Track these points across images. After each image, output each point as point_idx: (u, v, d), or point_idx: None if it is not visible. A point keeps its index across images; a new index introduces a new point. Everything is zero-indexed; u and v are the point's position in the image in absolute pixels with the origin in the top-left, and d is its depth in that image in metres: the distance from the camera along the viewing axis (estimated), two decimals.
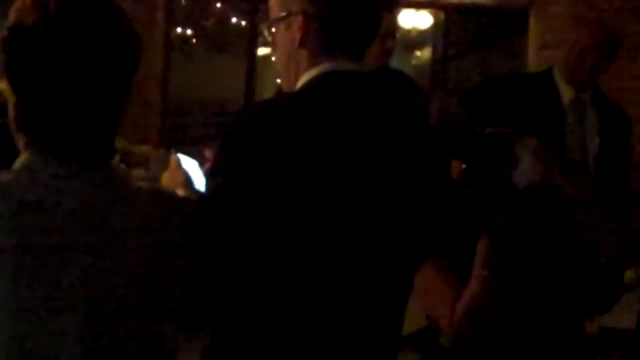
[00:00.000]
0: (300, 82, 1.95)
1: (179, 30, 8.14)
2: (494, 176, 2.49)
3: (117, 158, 1.67)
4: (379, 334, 1.98)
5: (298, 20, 1.94)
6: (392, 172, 1.91)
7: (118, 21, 1.63)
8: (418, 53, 9.23)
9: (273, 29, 2.02)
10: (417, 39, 8.94)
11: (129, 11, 1.67)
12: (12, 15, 1.58)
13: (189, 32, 8.37)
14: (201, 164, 2.32)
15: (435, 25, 8.22)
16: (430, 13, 8.16)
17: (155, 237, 1.66)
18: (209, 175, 2.05)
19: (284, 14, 1.97)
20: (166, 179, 2.29)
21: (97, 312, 1.59)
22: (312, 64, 1.95)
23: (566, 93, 3.81)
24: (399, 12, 7.85)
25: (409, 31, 8.71)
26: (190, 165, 2.30)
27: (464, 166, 2.68)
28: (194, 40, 8.35)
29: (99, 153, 1.64)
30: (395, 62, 8.99)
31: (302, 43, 1.94)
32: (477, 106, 3.46)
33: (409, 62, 9.38)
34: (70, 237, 1.57)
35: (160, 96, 7.71)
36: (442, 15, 7.99)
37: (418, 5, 7.87)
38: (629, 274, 4.14)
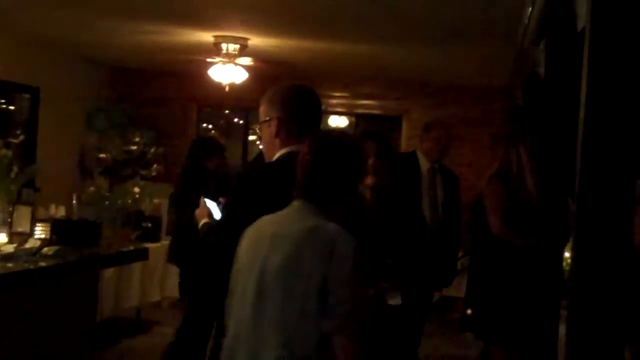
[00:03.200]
0: (275, 157, 1.95)
1: (204, 125, 8.16)
2: None
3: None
4: None
5: (274, 122, 1.94)
6: None
7: (347, 153, 1.68)
8: None
9: (260, 127, 2.01)
10: None
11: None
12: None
13: (210, 126, 8.41)
14: (218, 204, 2.30)
15: (350, 125, 8.27)
16: (347, 117, 8.22)
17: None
18: (223, 210, 2.08)
19: (267, 118, 1.96)
20: (198, 212, 2.27)
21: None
22: (282, 147, 1.94)
23: (424, 165, 3.83)
24: (329, 116, 7.92)
25: (333, 130, 8.72)
26: (211, 205, 2.29)
27: None
28: (213, 131, 8.36)
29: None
30: None
31: (276, 135, 1.94)
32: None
33: None
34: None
35: None
36: (353, 119, 8.06)
37: (340, 113, 7.97)
38: (459, 265, 4.15)
